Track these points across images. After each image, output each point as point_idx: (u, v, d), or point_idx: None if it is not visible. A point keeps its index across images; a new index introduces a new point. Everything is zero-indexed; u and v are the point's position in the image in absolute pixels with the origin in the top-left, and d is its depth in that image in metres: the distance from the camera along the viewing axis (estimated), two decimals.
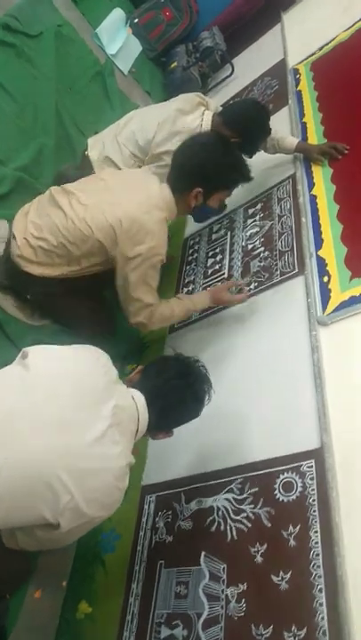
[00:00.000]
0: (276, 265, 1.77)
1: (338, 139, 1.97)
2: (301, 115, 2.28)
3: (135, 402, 1.07)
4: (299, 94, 2.41)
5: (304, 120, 2.23)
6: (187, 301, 1.65)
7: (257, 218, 2.06)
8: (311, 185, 1.90)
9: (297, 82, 2.50)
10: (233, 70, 3.24)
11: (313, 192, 1.87)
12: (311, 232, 1.72)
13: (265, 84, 2.82)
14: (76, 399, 0.96)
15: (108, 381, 1.05)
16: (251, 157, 1.82)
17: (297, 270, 1.67)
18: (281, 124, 2.35)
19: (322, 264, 1.59)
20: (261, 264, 1.84)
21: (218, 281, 1.98)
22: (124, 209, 1.44)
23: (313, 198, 1.84)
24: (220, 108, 1.98)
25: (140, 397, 1.09)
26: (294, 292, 1.62)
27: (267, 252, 1.85)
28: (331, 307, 1.45)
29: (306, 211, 1.81)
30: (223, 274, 1.99)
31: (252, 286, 1.76)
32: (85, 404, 0.96)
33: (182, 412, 1.17)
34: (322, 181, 1.87)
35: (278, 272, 1.74)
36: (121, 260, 1.48)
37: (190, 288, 2.08)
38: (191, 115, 1.85)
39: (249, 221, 2.08)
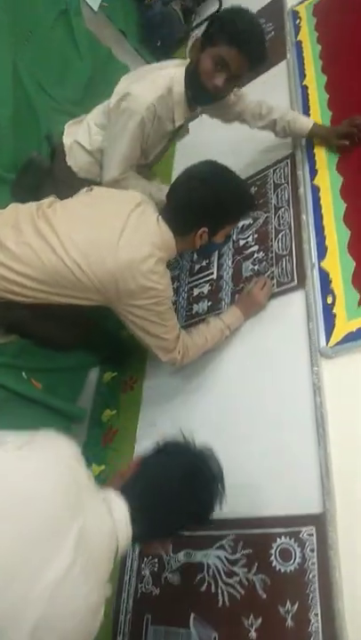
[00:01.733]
0: (273, 272, 1.56)
1: (344, 110, 1.69)
2: (302, 75, 1.95)
3: (113, 519, 0.83)
4: (299, 46, 2.06)
5: (305, 83, 1.91)
6: (218, 322, 1.48)
7: None
8: (313, 172, 1.64)
9: (297, 29, 2.14)
10: (221, 4, 2.79)
11: (315, 182, 1.61)
12: (313, 235, 1.50)
13: None
14: (20, 542, 0.71)
15: (73, 496, 0.78)
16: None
17: (296, 283, 1.47)
18: (277, 84, 2.04)
19: (325, 279, 1.39)
20: (255, 267, 1.63)
21: (205, 281, 1.77)
22: (124, 256, 1.24)
23: (315, 190, 1.59)
24: None
25: (121, 510, 0.84)
26: (293, 309, 1.42)
27: (261, 253, 1.63)
28: (336, 337, 1.27)
29: (307, 206, 1.57)
30: (211, 272, 1.77)
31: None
32: (35, 543, 0.72)
33: (181, 522, 0.94)
34: (326, 169, 1.61)
35: (275, 281, 1.53)
36: (126, 311, 1.32)
37: (174, 285, 1.87)
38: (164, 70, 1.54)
39: None
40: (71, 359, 1.76)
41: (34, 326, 1.49)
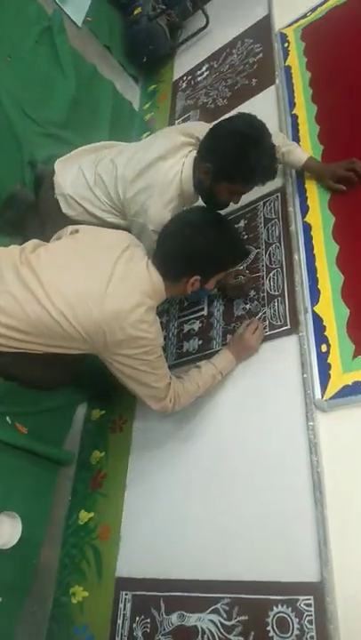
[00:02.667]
0: (265, 313, 1.52)
1: (336, 145, 1.66)
2: (291, 103, 1.91)
3: None
4: (288, 72, 2.02)
5: (294, 112, 1.88)
6: (209, 367, 1.43)
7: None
8: (305, 208, 1.61)
9: (285, 53, 2.09)
10: (208, 21, 2.74)
11: (307, 219, 1.58)
12: (306, 277, 1.46)
13: (246, 49, 2.37)
14: None
15: None
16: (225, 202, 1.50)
17: (289, 327, 1.43)
18: (266, 110, 1.98)
19: (319, 325, 1.36)
20: (247, 306, 1.59)
21: (196, 317, 1.72)
22: (111, 307, 1.19)
23: (307, 228, 1.56)
24: None
25: None
26: (286, 355, 1.39)
27: (253, 292, 1.59)
28: (331, 390, 1.24)
29: (298, 245, 1.54)
30: (202, 309, 1.73)
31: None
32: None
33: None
34: (318, 207, 1.58)
35: (267, 323, 1.49)
36: (114, 360, 1.27)
37: (163, 320, 1.82)
38: (171, 159, 1.48)
39: None
40: (58, 398, 1.71)
41: (19, 370, 1.43)
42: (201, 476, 1.38)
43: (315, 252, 1.49)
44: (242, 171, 1.35)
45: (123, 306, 1.20)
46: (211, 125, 1.55)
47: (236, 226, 1.80)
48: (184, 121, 2.46)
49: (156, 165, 1.47)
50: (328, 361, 1.28)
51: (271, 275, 1.58)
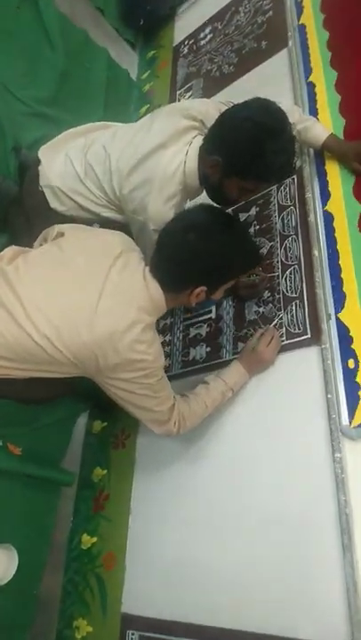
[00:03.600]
0: (281, 318, 1.33)
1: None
2: (307, 69, 1.67)
3: None
4: (302, 32, 1.77)
5: (311, 79, 1.64)
6: (219, 384, 1.26)
7: (251, 230, 1.56)
8: (326, 195, 1.40)
9: (299, 10, 1.83)
10: None
11: (328, 208, 1.37)
12: (328, 278, 1.27)
13: (254, 6, 2.10)
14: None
15: None
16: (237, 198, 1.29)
17: (310, 336, 1.25)
18: (278, 79, 1.76)
19: (345, 336, 1.17)
20: (260, 310, 1.40)
21: (203, 320, 1.54)
22: (102, 328, 1.01)
23: (328, 218, 1.35)
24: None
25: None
26: (307, 370, 1.21)
27: (267, 293, 1.41)
28: (360, 416, 1.07)
29: (319, 239, 1.34)
30: (210, 311, 1.55)
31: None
32: None
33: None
34: (341, 193, 1.36)
35: (284, 330, 1.31)
36: (109, 385, 1.11)
37: (167, 321, 1.65)
38: (173, 147, 1.27)
39: None
40: (56, 412, 1.57)
41: (10, 387, 1.28)
42: (211, 510, 1.24)
43: (338, 247, 1.29)
44: (256, 166, 1.14)
45: (116, 325, 1.03)
46: (216, 104, 1.34)
47: (245, 214, 1.60)
48: (186, 91, 2.21)
49: (156, 155, 1.27)
50: (357, 380, 1.11)
51: (288, 273, 1.38)
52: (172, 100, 2.27)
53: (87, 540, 1.47)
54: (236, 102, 1.38)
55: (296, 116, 1.39)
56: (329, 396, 1.12)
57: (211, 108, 1.32)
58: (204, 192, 1.34)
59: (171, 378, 1.49)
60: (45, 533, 1.46)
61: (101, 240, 1.17)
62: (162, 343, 1.59)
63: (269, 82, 1.79)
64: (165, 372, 1.51)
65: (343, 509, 1.00)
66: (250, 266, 1.22)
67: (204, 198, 1.33)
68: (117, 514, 1.45)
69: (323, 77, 1.60)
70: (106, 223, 1.47)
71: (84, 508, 1.54)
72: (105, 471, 1.55)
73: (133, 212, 1.33)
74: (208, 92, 2.07)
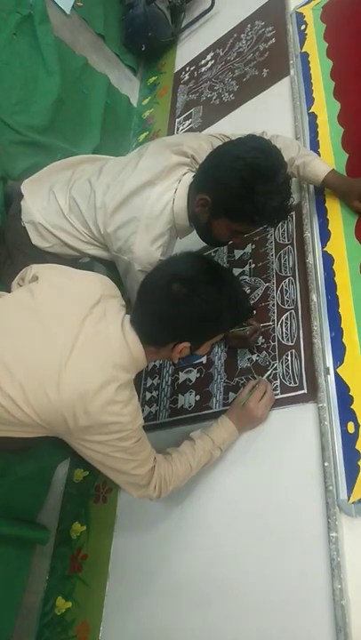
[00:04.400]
0: (275, 368, 1.22)
1: None
2: (309, 98, 1.59)
3: None
4: (305, 60, 1.69)
5: (313, 110, 1.55)
6: (206, 442, 1.14)
7: (246, 269, 1.46)
8: (325, 235, 1.29)
9: (302, 38, 1.76)
10: (213, 3, 2.40)
11: (328, 249, 1.27)
12: (327, 327, 1.16)
13: (256, 33, 2.04)
14: None
15: None
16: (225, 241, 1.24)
17: (306, 391, 1.13)
18: (279, 109, 1.68)
19: (345, 395, 1.06)
20: (253, 357, 1.29)
21: (193, 365, 1.43)
22: (72, 388, 0.91)
23: (328, 260, 1.25)
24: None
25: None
26: (301, 430, 1.09)
27: (261, 338, 1.30)
28: (360, 489, 0.95)
29: (318, 283, 1.23)
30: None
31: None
32: None
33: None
34: (342, 234, 1.26)
35: (278, 382, 1.20)
36: (81, 446, 0.99)
37: (157, 363, 1.54)
38: (161, 185, 1.19)
39: (235, 272, 1.49)
40: (31, 462, 1.45)
41: None
42: (194, 583, 1.11)
43: (338, 292, 1.19)
44: (246, 209, 1.06)
45: (87, 385, 0.92)
46: (208, 139, 1.25)
47: (240, 251, 1.50)
48: (185, 119, 2.15)
49: (143, 193, 1.18)
50: (357, 447, 0.99)
51: (284, 318, 1.28)
52: (172, 127, 2.20)
53: (62, 605, 1.35)
54: (231, 135, 1.30)
55: (295, 150, 1.30)
56: (326, 464, 1.00)
57: (203, 143, 1.24)
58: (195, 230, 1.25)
59: (158, 426, 1.40)
60: (15, 597, 1.34)
61: (78, 286, 1.07)
62: (149, 387, 1.49)
63: (270, 111, 1.71)
64: (153, 419, 1.42)
65: (338, 600, 0.87)
66: (238, 321, 1.12)
67: (195, 237, 1.24)
68: (95, 577, 1.32)
69: (325, 108, 1.52)
70: (92, 261, 1.38)
71: (61, 567, 1.41)
72: (84, 527, 1.43)
73: (118, 251, 1.24)
74: (207, 120, 2.00)
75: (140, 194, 1.19)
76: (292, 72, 1.70)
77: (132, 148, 2.40)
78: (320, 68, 1.62)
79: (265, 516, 1.05)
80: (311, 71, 1.64)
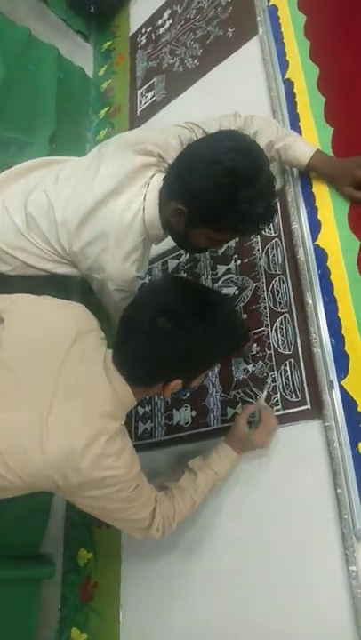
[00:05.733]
0: (274, 380, 1.13)
1: (352, 124, 1.19)
2: (283, 62, 1.41)
3: None
4: (274, 15, 1.50)
5: (288, 77, 1.38)
6: (208, 474, 1.05)
7: (232, 266, 1.34)
8: (316, 226, 1.17)
9: None
10: None
11: (320, 242, 1.15)
12: (326, 334, 1.06)
13: None
14: None
15: None
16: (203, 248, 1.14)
17: (309, 406, 1.05)
18: (248, 74, 1.50)
19: (352, 411, 0.97)
20: (249, 368, 1.19)
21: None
22: (56, 450, 0.81)
23: (322, 256, 1.13)
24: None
25: None
26: (308, 451, 1.01)
27: (256, 346, 1.20)
28: None
29: (312, 283, 1.12)
30: None
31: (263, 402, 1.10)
32: None
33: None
34: (334, 224, 1.14)
35: (278, 396, 1.11)
36: (77, 502, 0.92)
37: None
38: (127, 192, 1.04)
39: (220, 270, 1.37)
40: (26, 499, 1.37)
41: None
42: (210, 619, 1.06)
43: (335, 293, 1.08)
44: (228, 219, 0.93)
45: (73, 442, 0.82)
46: (175, 131, 1.10)
47: (226, 245, 1.37)
48: (148, 90, 1.94)
49: (108, 204, 1.04)
50: None
51: (278, 323, 1.17)
52: (134, 100, 2.00)
53: (77, 636, 1.31)
54: (201, 123, 1.14)
55: (273, 132, 1.15)
56: (339, 490, 0.93)
57: (169, 138, 1.08)
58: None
59: (154, 445, 1.32)
60: (28, 634, 1.29)
61: (49, 325, 0.95)
62: (142, 402, 1.39)
63: (240, 80, 1.54)
64: (148, 437, 1.34)
65: None
66: (233, 350, 1.02)
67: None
68: (107, 607, 1.28)
69: (302, 74, 1.35)
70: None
71: (72, 596, 1.37)
72: (91, 554, 1.37)
73: (89, 270, 1.11)
74: (171, 91, 1.81)
75: (105, 205, 1.05)
76: (260, 30, 1.51)
77: (94, 127, 2.20)
78: (292, 25, 1.43)
79: (275, 548, 0.99)
80: (282, 29, 1.46)
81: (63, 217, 1.09)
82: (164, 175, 1.06)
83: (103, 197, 1.04)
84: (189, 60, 1.79)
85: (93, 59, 2.41)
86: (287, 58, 1.40)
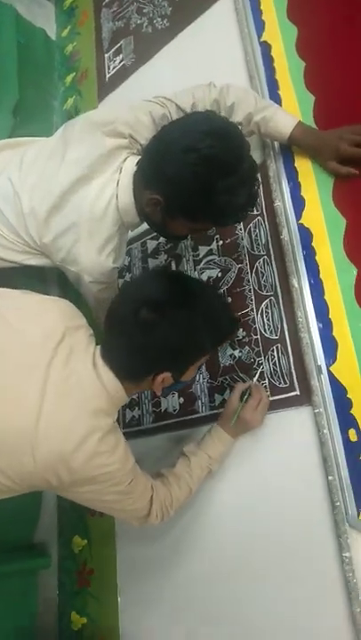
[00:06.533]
0: (261, 366, 1.11)
1: (335, 91, 1.13)
2: (259, 23, 1.31)
3: None
4: None
5: (265, 39, 1.29)
6: (202, 459, 1.04)
7: (213, 247, 1.29)
8: (300, 203, 1.12)
9: None
10: None
11: (304, 221, 1.10)
12: (313, 316, 1.03)
13: None
14: None
15: None
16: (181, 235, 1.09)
17: (298, 392, 1.03)
18: (222, 36, 1.41)
19: (342, 397, 0.96)
20: (235, 353, 1.17)
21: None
22: (48, 451, 0.79)
23: (306, 235, 1.09)
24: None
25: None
26: (298, 437, 1.00)
27: (242, 331, 1.17)
28: None
29: (297, 265, 1.08)
30: None
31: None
32: None
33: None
34: (318, 200, 1.09)
35: (266, 382, 1.09)
36: (73, 497, 0.91)
37: None
38: (98, 178, 0.97)
39: (202, 251, 1.32)
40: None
41: None
42: (206, 597, 1.08)
43: (322, 276, 1.04)
44: (206, 210, 0.88)
45: (65, 443, 0.81)
46: (145, 106, 1.02)
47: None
48: (115, 54, 1.82)
49: (78, 192, 0.97)
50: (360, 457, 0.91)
51: (263, 307, 1.14)
52: (101, 65, 1.87)
53: (77, 620, 1.33)
54: (173, 97, 1.06)
55: (251, 103, 1.08)
56: (330, 477, 0.93)
57: (140, 115, 1.00)
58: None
59: (142, 433, 1.31)
60: (28, 621, 1.31)
61: (35, 322, 0.91)
62: None
63: (213, 42, 1.43)
64: (136, 424, 1.32)
65: (360, 625, 0.84)
66: (221, 339, 0.98)
67: None
68: (105, 592, 1.30)
69: (279, 35, 1.26)
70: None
71: (69, 582, 1.39)
72: (85, 541, 1.38)
73: (63, 262, 1.05)
74: (141, 55, 1.69)
75: (74, 193, 0.98)
76: None
77: (60, 94, 2.07)
78: None
79: (268, 536, 1.00)
80: None
81: (30, 206, 1.02)
82: (137, 158, 0.99)
83: (72, 185, 0.98)
84: (158, 19, 1.67)
85: (55, 18, 2.23)
86: (263, 17, 1.31)
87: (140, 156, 0.99)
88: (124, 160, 0.99)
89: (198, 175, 0.84)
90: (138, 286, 0.91)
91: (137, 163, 0.97)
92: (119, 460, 0.86)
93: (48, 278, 1.37)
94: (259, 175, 1.18)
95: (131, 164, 0.98)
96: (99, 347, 0.91)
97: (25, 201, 1.03)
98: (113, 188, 0.97)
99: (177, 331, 0.84)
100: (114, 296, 1.08)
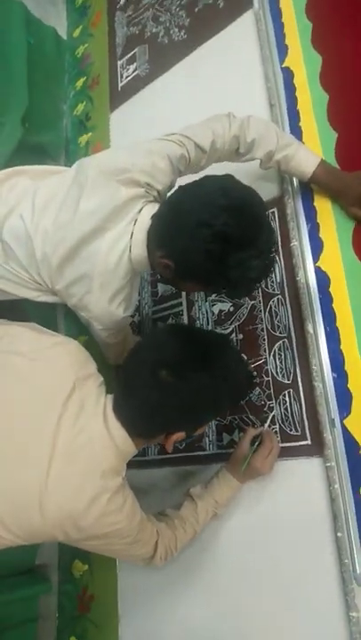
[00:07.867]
0: (273, 409, 1.09)
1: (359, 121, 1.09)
2: (281, 46, 1.27)
3: None
4: None
5: (287, 65, 1.24)
6: (209, 503, 1.03)
7: None
8: (318, 245, 1.09)
9: None
10: None
11: (322, 264, 1.07)
12: (328, 368, 1.01)
13: None
14: None
15: None
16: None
17: (309, 442, 1.02)
18: (241, 58, 1.37)
19: (355, 453, 0.94)
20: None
21: None
22: (57, 511, 0.79)
23: (324, 280, 1.06)
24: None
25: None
26: (308, 489, 0.99)
27: (254, 372, 1.15)
28: None
29: (313, 310, 1.06)
30: None
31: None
32: None
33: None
34: (337, 244, 1.06)
35: (277, 427, 1.08)
36: (81, 546, 0.91)
37: None
38: (112, 230, 0.94)
39: None
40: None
41: None
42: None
43: (338, 323, 1.02)
44: (218, 282, 0.86)
45: (74, 503, 0.80)
46: (162, 150, 0.97)
47: None
48: (129, 62, 1.76)
49: (93, 243, 0.94)
50: None
51: (276, 348, 1.12)
52: (114, 72, 1.81)
53: None
54: (191, 135, 1.01)
55: (273, 140, 1.04)
56: (339, 534, 0.92)
57: (157, 159, 0.96)
58: None
59: (147, 463, 1.30)
60: None
61: (44, 373, 0.89)
62: None
63: (233, 62, 1.39)
64: (141, 454, 1.31)
65: None
66: (239, 400, 0.97)
67: None
68: (105, 620, 1.30)
69: (302, 63, 1.22)
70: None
71: (69, 606, 1.39)
72: (86, 566, 1.38)
73: (74, 307, 1.04)
74: (156, 66, 1.64)
75: (88, 245, 0.95)
76: (255, 4, 1.35)
77: (70, 98, 2.01)
78: (292, 1, 1.27)
79: (274, 593, 0.99)
80: (281, 4, 1.30)
81: (43, 252, 0.99)
82: (153, 207, 0.95)
83: (86, 236, 0.94)
84: (175, 30, 1.61)
85: (67, 15, 2.16)
86: (286, 41, 1.26)
87: (156, 204, 0.96)
88: (140, 210, 0.95)
89: (210, 252, 0.81)
90: (155, 346, 0.88)
91: (151, 217, 0.94)
92: (127, 517, 0.86)
93: (58, 306, 1.35)
94: (276, 211, 1.16)
95: (147, 215, 0.95)
96: (110, 396, 0.89)
97: (38, 246, 1.00)
98: (127, 240, 0.94)
99: (196, 393, 0.83)
100: (123, 342, 1.07)
